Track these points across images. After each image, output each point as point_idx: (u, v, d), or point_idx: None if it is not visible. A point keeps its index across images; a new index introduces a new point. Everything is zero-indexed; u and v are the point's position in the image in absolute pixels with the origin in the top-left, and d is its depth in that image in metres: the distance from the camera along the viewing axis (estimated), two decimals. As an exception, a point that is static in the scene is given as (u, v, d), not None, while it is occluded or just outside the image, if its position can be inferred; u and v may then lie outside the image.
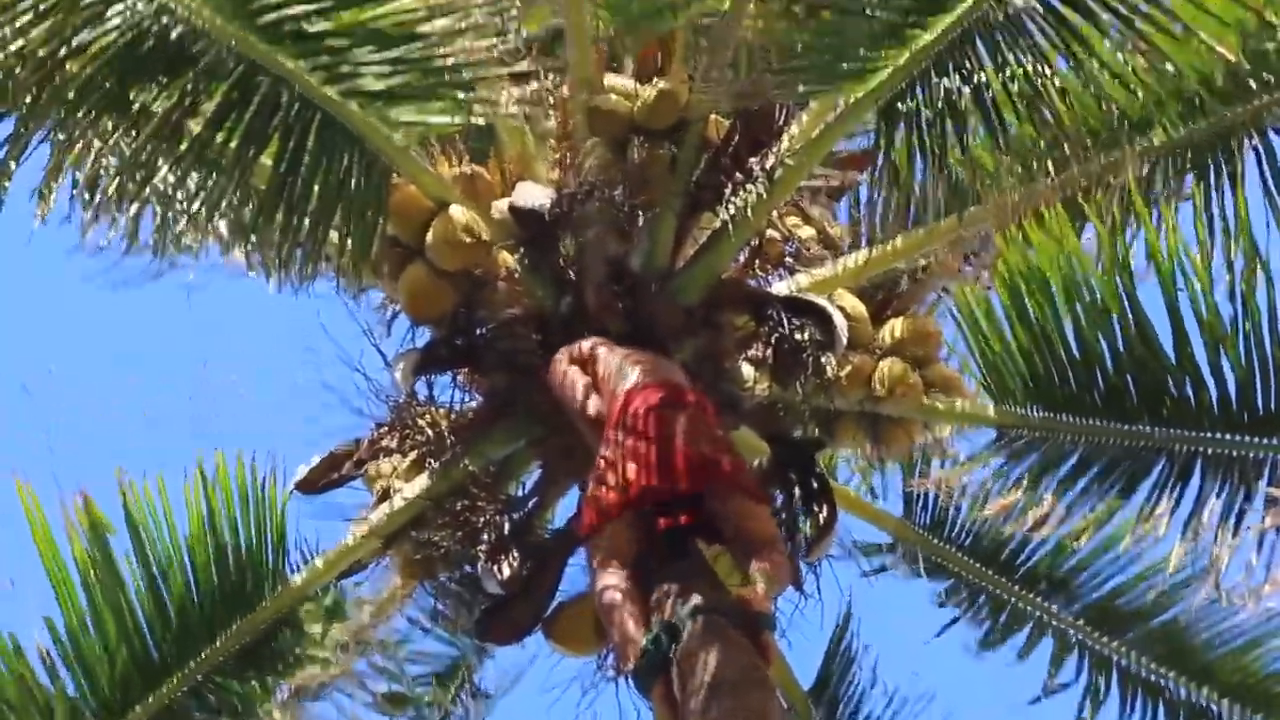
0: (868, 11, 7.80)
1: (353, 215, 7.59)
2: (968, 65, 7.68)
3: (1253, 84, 8.08)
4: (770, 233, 8.43)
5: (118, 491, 7.79)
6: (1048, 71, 7.69)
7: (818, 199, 8.54)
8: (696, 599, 6.48)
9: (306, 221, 7.54)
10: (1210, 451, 7.66)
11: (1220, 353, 7.47)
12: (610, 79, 8.24)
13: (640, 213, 8.01)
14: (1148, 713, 8.60)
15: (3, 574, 7.74)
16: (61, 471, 7.73)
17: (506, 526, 7.87)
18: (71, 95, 7.12)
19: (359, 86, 7.33)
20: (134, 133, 7.25)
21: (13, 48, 7.00)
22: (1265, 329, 7.38)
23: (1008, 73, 7.69)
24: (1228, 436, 7.61)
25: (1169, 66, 7.95)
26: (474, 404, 8.22)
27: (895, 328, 8.46)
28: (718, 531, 6.85)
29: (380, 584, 8.14)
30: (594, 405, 7.29)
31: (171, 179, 7.53)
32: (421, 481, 7.98)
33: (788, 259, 8.47)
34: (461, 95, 7.46)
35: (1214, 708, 8.49)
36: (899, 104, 7.77)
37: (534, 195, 8.01)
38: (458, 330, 8.00)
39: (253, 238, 7.74)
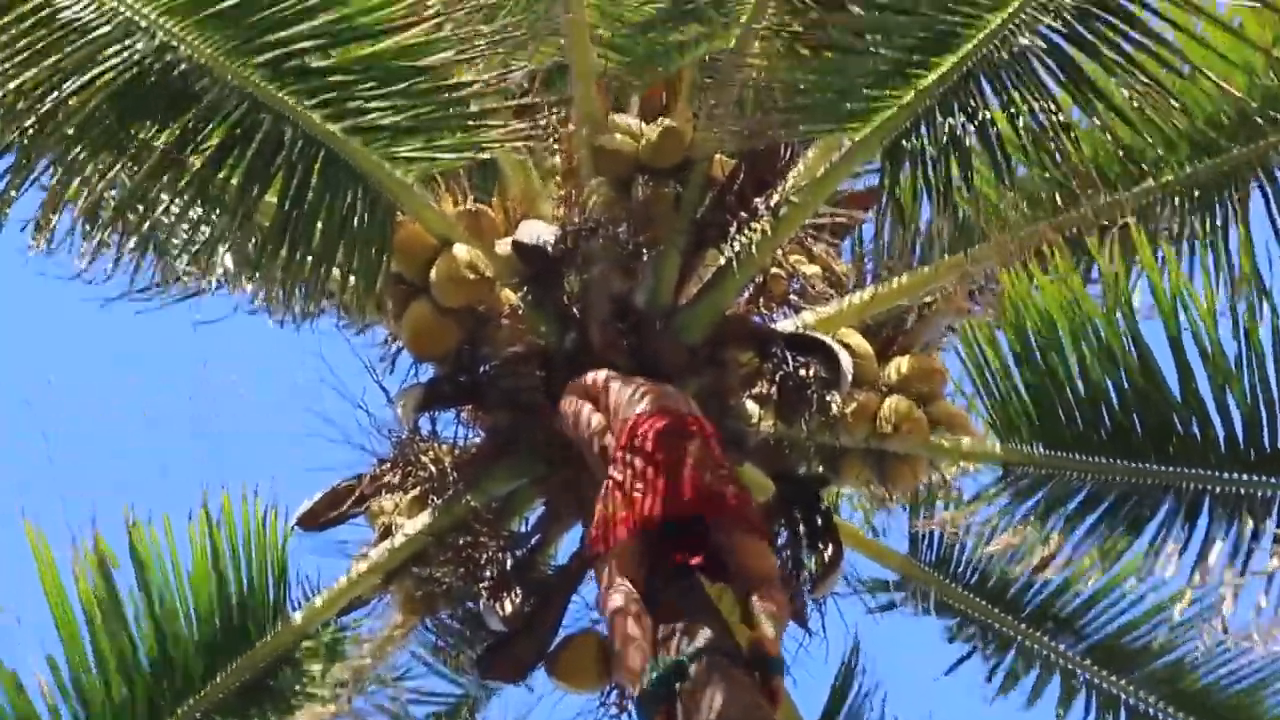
0: (872, 51, 7.82)
1: (356, 252, 7.60)
2: (972, 104, 7.69)
3: (1260, 122, 8.06)
4: (775, 270, 8.44)
5: (125, 529, 7.75)
6: (1054, 108, 7.69)
7: (822, 237, 8.52)
8: (704, 635, 6.51)
9: (310, 259, 7.55)
10: (1218, 490, 7.61)
11: (1226, 390, 7.43)
12: (615, 117, 8.26)
13: (645, 250, 8.02)
14: (1156, 751, 8.57)
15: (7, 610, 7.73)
16: (63, 478, 7.70)
17: (509, 563, 7.85)
18: (71, 131, 7.13)
19: (362, 123, 7.36)
20: (134, 168, 7.24)
21: (13, 85, 7.01)
22: (1270, 366, 7.34)
23: (1013, 111, 7.69)
24: (1236, 475, 7.56)
25: (1175, 105, 7.91)
26: (477, 441, 8.21)
27: (900, 365, 8.45)
28: (722, 566, 6.87)
29: (382, 621, 8.11)
30: (609, 441, 7.28)
31: (173, 215, 7.52)
32: (424, 518, 7.95)
33: (792, 296, 8.47)
34: (466, 131, 7.48)
35: (1222, 748, 8.45)
36: (903, 142, 7.79)
37: (538, 232, 8.01)
38: (461, 367, 8.00)
39: (256, 274, 7.72)
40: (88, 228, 7.77)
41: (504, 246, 8.02)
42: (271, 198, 7.51)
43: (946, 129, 7.70)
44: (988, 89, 7.67)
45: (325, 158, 7.38)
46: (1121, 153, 8.19)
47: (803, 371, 8.01)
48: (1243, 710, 8.47)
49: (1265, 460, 7.50)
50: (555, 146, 8.30)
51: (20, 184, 7.36)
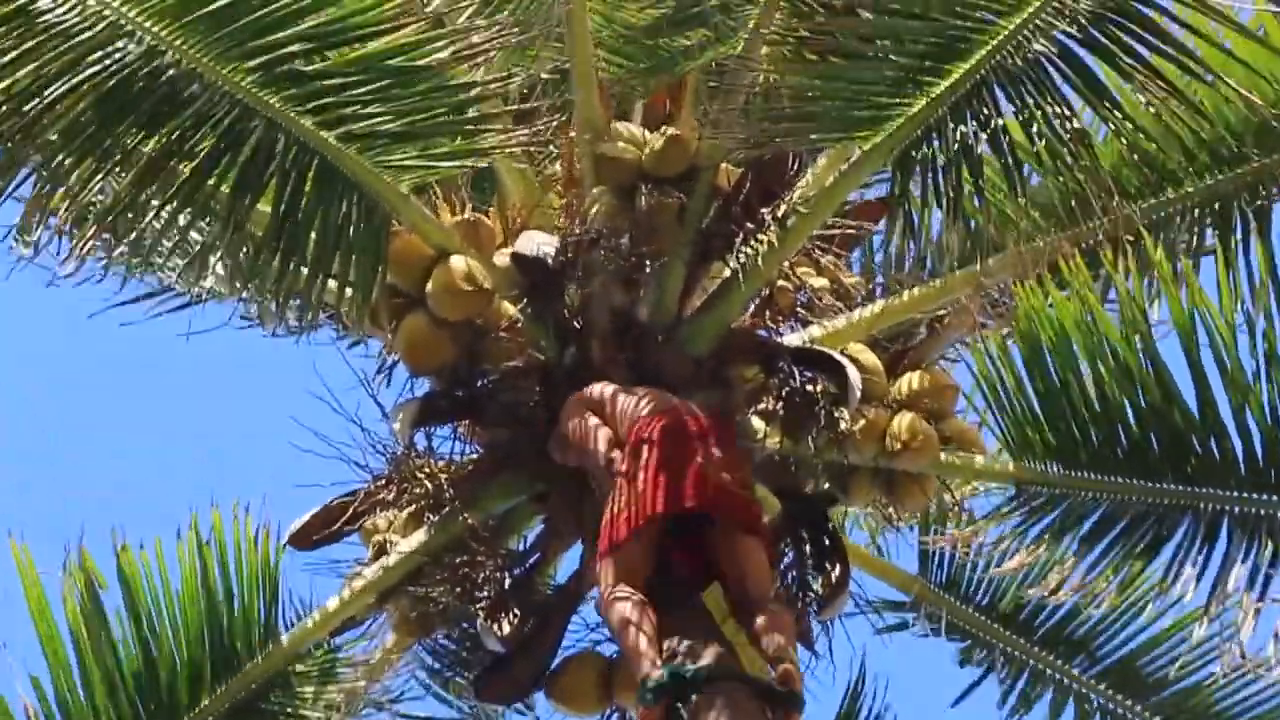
0: (882, 57, 7.72)
1: (351, 263, 7.47)
2: (985, 112, 7.58)
3: (1282, 132, 7.93)
4: (782, 283, 8.29)
5: (113, 550, 7.71)
6: (1069, 116, 7.56)
7: (831, 248, 8.39)
8: (711, 659, 6.48)
9: (303, 269, 7.43)
10: (1238, 511, 7.48)
11: (1246, 408, 7.29)
12: (618, 125, 8.14)
13: (648, 261, 7.91)
14: (1170, 777, 8.47)
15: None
16: (50, 494, 7.65)
17: (507, 582, 7.75)
18: (55, 137, 7.01)
19: (356, 130, 7.25)
20: (121, 175, 7.13)
21: None
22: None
23: (1026, 119, 7.56)
24: (1256, 496, 7.42)
25: (1195, 113, 7.77)
26: (474, 456, 8.09)
27: (911, 380, 8.30)
28: (724, 576, 6.82)
29: (376, 642, 8.03)
30: (616, 454, 7.15)
31: (161, 223, 7.40)
32: (419, 536, 7.85)
33: (800, 309, 8.33)
34: (463, 137, 7.38)
35: (1238, 774, 8.35)
36: (914, 152, 7.68)
37: (538, 243, 7.90)
38: (458, 381, 7.89)
39: (248, 285, 7.61)
40: (74, 235, 7.64)
41: (502, 258, 7.92)
42: (264, 206, 7.39)
43: (958, 138, 7.59)
44: (1001, 97, 7.55)
45: (319, 165, 7.26)
46: (1139, 161, 8.07)
47: (810, 387, 7.87)
48: (1261, 737, 8.34)
49: (1286, 481, 7.37)
50: (556, 154, 8.19)
51: (4, 188, 7.22)
